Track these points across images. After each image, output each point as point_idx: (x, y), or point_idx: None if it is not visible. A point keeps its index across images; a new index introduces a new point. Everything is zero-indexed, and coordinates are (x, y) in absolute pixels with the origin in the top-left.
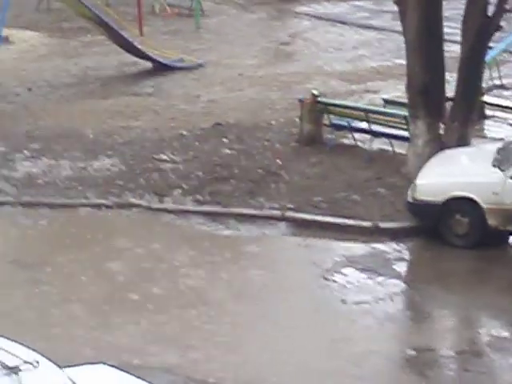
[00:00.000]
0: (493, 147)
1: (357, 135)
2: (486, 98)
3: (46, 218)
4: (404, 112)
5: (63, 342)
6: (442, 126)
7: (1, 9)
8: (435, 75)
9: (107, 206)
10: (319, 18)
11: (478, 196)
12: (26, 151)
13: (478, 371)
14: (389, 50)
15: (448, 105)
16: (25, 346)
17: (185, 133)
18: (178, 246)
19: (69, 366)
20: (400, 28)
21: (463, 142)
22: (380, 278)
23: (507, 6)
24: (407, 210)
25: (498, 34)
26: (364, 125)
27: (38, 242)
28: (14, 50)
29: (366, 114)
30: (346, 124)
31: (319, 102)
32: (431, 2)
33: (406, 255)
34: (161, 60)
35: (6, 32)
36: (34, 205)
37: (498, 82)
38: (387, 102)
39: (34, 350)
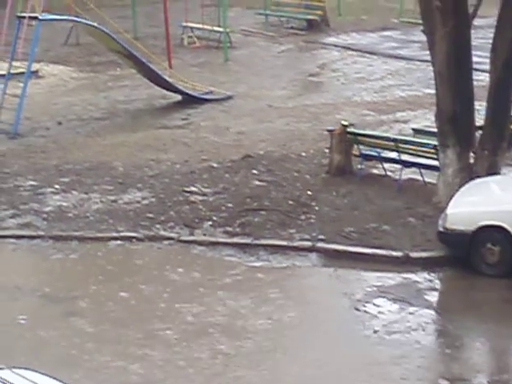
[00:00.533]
0: None
1: (386, 165)
2: None
3: (76, 252)
4: (434, 141)
5: (98, 373)
6: (471, 154)
7: (31, 43)
8: (464, 104)
9: (138, 239)
10: (348, 48)
11: (509, 224)
12: (56, 185)
13: None
14: (418, 79)
15: (477, 134)
16: (60, 380)
17: (215, 165)
18: (208, 278)
19: None
20: (429, 57)
21: (493, 170)
22: (411, 308)
23: None
24: (438, 240)
25: None
26: (394, 155)
27: (68, 276)
28: (44, 84)
29: (396, 144)
30: (375, 154)
31: (349, 132)
32: (460, 31)
33: (438, 285)
34: (190, 92)
35: (35, 66)
36: (65, 238)
37: None
38: (417, 131)
39: None
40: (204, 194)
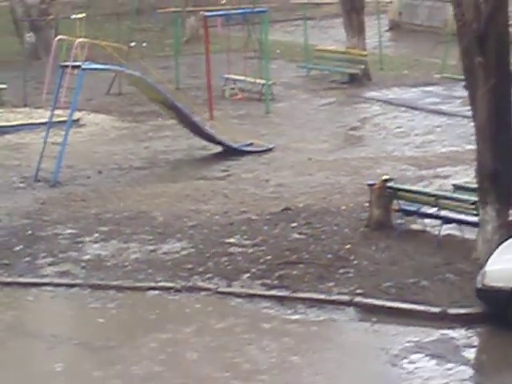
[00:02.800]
0: None
1: (426, 221)
2: None
3: (114, 301)
4: (474, 198)
5: None
6: (511, 212)
7: (73, 92)
8: (505, 161)
9: (176, 290)
10: (389, 103)
11: None
12: (95, 234)
13: None
14: (459, 135)
15: None
16: None
17: (254, 217)
18: (245, 330)
19: None
20: (470, 113)
21: None
22: (449, 365)
23: None
24: (476, 296)
25: None
26: (433, 210)
27: (105, 325)
28: (85, 133)
29: (436, 200)
30: (415, 209)
31: (389, 187)
32: (502, 87)
33: (476, 341)
34: (231, 144)
35: (77, 115)
36: (103, 287)
37: None
38: (457, 187)
39: None
40: (243, 246)
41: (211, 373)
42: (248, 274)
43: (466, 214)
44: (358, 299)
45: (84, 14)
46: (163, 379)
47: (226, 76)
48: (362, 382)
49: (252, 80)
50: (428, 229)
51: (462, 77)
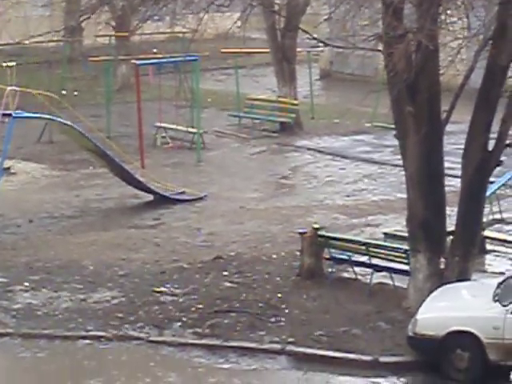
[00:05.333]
0: (493, 282)
1: (357, 269)
2: (487, 233)
3: (45, 350)
4: (405, 246)
5: None
6: (442, 260)
7: (3, 140)
8: (436, 209)
9: (107, 339)
10: (320, 151)
11: (479, 330)
12: (25, 283)
13: None
14: (390, 184)
15: (448, 239)
16: None
17: (185, 265)
18: (176, 380)
19: None
20: (401, 162)
21: (464, 276)
22: None
23: (507, 141)
24: (408, 344)
25: (498, 169)
26: (364, 258)
27: (35, 375)
28: (16, 182)
29: (367, 248)
30: (346, 258)
31: (320, 235)
32: (432, 136)
33: None
34: (162, 192)
35: (7, 163)
36: (34, 337)
37: (498, 217)
38: (388, 235)
39: None
40: (174, 295)
41: None
42: (179, 323)
43: (397, 262)
44: (289, 348)
45: (15, 63)
46: None
47: (158, 124)
48: None
49: (183, 128)
50: (359, 277)
51: (393, 126)
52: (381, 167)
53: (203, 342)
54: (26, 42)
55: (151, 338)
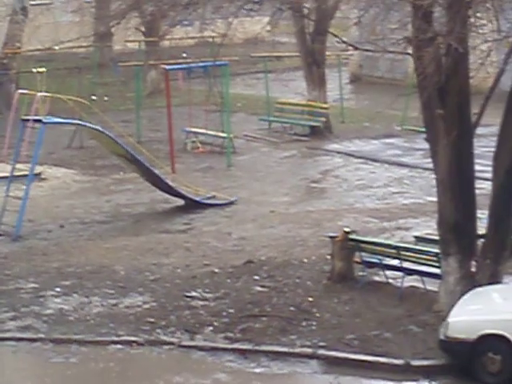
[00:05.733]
0: None
1: (388, 273)
2: None
3: (76, 356)
4: (435, 249)
5: None
6: (473, 263)
7: (34, 146)
8: (466, 212)
9: (138, 344)
10: (350, 155)
11: (510, 333)
12: (57, 288)
13: None
14: (420, 187)
15: (479, 242)
16: None
17: (216, 270)
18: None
19: None
20: (431, 165)
21: (495, 279)
22: None
23: None
24: (439, 348)
25: None
26: (395, 262)
27: (68, 380)
28: (47, 187)
29: (398, 252)
30: (377, 261)
31: (350, 239)
32: (462, 139)
33: None
34: (192, 197)
35: (38, 169)
36: (65, 342)
37: None
38: (419, 239)
39: None
40: (205, 299)
41: None
42: (211, 328)
43: (428, 265)
44: (321, 352)
45: (45, 69)
46: None
47: (188, 129)
48: None
49: (213, 133)
50: (390, 281)
51: (423, 129)
52: (411, 170)
53: (235, 346)
54: (56, 47)
55: (183, 343)
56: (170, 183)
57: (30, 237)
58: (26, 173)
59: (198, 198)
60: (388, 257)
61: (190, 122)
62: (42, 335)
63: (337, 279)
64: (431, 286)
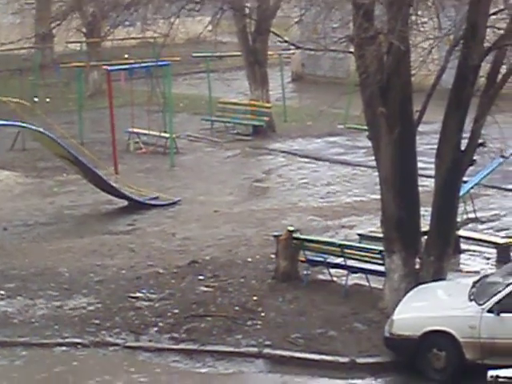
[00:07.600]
0: (469, 281)
1: (333, 271)
2: (461, 232)
3: (21, 358)
4: (379, 247)
5: None
6: (417, 260)
7: None
8: (410, 210)
9: (83, 345)
10: (293, 154)
11: (455, 330)
12: (1, 291)
13: None
14: (363, 185)
15: (423, 239)
16: None
17: (161, 271)
18: None
19: None
20: (374, 163)
21: (439, 276)
22: None
23: (480, 141)
24: (384, 345)
25: (471, 168)
26: (340, 260)
27: (13, 383)
28: None
29: (342, 250)
30: (321, 260)
31: (295, 238)
32: (404, 137)
33: None
34: (136, 198)
35: None
36: (10, 345)
37: (472, 216)
38: (362, 237)
39: None
40: (150, 300)
41: None
42: (156, 328)
43: (373, 263)
44: (266, 351)
45: None
46: None
47: (130, 130)
48: None
49: (156, 134)
50: (335, 279)
51: (366, 127)
52: (354, 169)
53: (180, 346)
54: None
55: (128, 344)
56: (113, 184)
57: None
58: None
59: (141, 199)
60: (332, 255)
61: (132, 123)
62: None
63: (281, 278)
64: (376, 283)
